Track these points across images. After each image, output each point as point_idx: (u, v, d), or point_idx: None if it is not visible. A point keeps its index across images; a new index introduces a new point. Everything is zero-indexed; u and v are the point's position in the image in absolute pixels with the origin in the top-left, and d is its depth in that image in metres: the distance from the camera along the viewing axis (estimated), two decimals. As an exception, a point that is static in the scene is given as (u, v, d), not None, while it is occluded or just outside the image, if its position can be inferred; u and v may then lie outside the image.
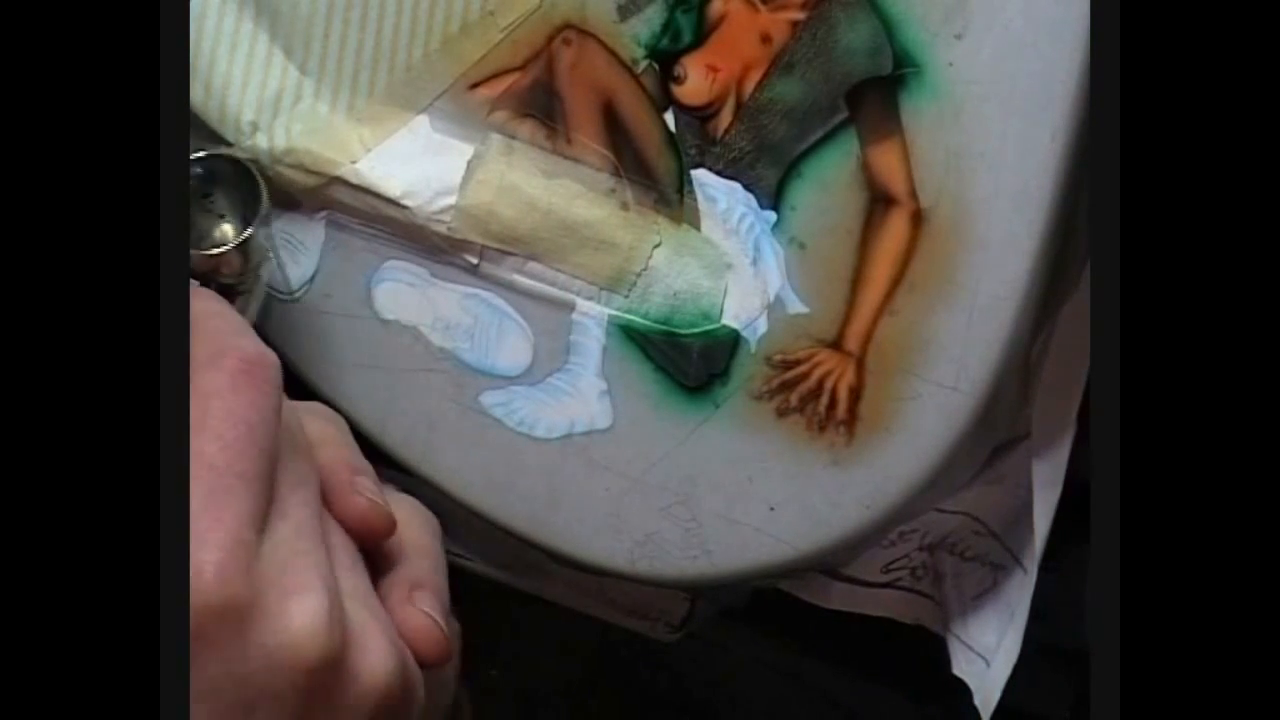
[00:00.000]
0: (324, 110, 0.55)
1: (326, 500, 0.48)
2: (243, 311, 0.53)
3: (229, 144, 0.55)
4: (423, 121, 0.55)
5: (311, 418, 0.51)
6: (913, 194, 0.51)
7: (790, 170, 0.52)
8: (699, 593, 0.61)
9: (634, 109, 0.53)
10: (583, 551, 0.57)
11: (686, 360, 0.54)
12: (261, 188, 0.53)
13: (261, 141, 0.55)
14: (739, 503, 0.54)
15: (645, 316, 0.54)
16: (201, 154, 0.54)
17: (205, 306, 0.48)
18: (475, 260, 0.55)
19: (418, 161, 0.55)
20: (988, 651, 0.59)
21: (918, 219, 0.51)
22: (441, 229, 0.55)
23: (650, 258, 0.54)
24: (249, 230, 0.53)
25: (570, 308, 0.55)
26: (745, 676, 0.81)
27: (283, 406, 0.47)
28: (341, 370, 0.57)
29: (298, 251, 0.57)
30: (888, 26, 0.50)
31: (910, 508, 0.54)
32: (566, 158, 0.54)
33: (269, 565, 0.44)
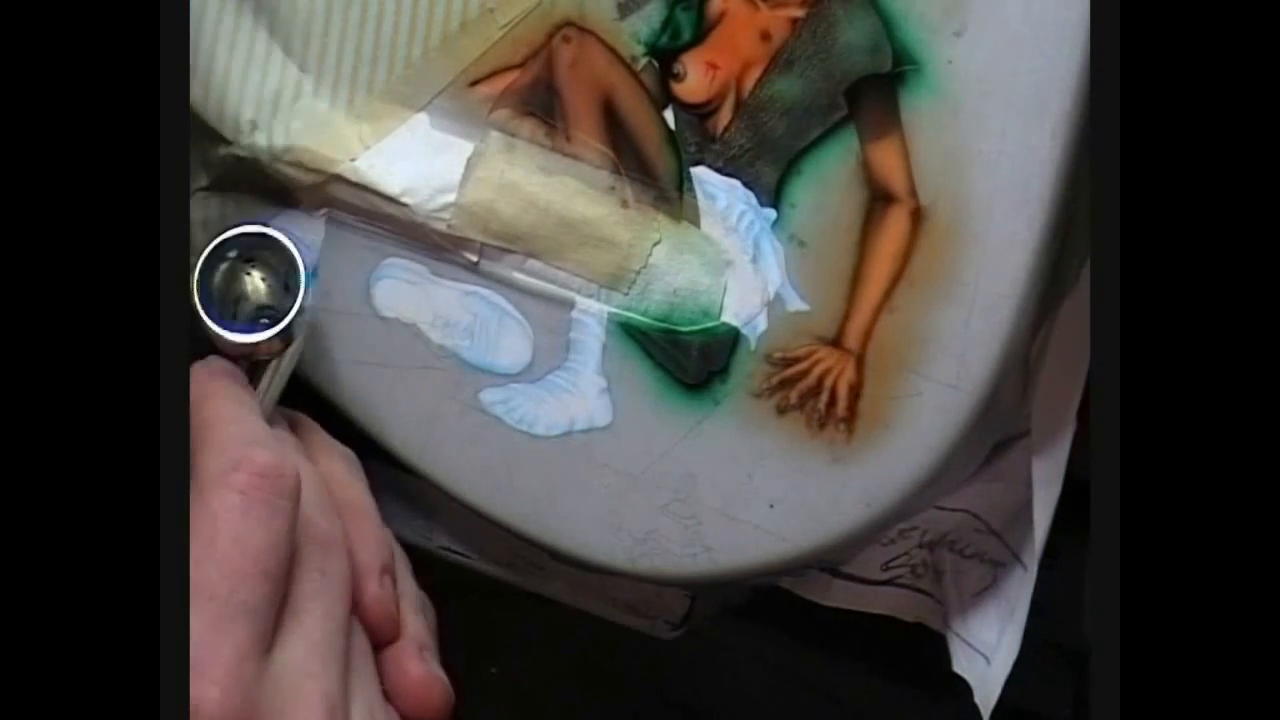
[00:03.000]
0: (323, 108, 0.55)
1: (353, 598, 0.49)
2: (269, 381, 0.52)
3: (228, 142, 0.55)
4: (422, 119, 0.55)
5: (342, 478, 0.51)
6: (912, 191, 0.51)
7: (790, 167, 0.52)
8: (699, 590, 0.61)
9: (634, 106, 0.53)
10: (582, 549, 0.57)
11: (686, 358, 0.54)
12: (299, 265, 0.52)
13: (260, 139, 0.55)
14: (739, 500, 0.54)
15: (645, 314, 0.54)
16: (239, 232, 0.53)
17: (218, 409, 0.48)
18: (475, 258, 0.55)
19: (417, 159, 0.55)
20: (988, 649, 0.59)
21: (917, 216, 0.51)
22: (441, 226, 0.55)
23: (650, 255, 0.54)
24: (290, 316, 0.52)
25: (570, 305, 0.55)
26: (745, 674, 0.81)
27: (306, 497, 0.46)
28: (341, 368, 0.57)
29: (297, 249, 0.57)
30: (887, 24, 0.50)
31: (910, 505, 0.54)
32: (566, 155, 0.54)
33: (273, 692, 0.43)
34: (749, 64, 0.52)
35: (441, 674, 0.50)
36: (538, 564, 0.61)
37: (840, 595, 0.61)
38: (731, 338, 0.54)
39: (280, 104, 0.55)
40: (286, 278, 0.52)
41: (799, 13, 0.51)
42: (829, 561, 0.59)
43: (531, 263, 0.55)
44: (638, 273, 0.54)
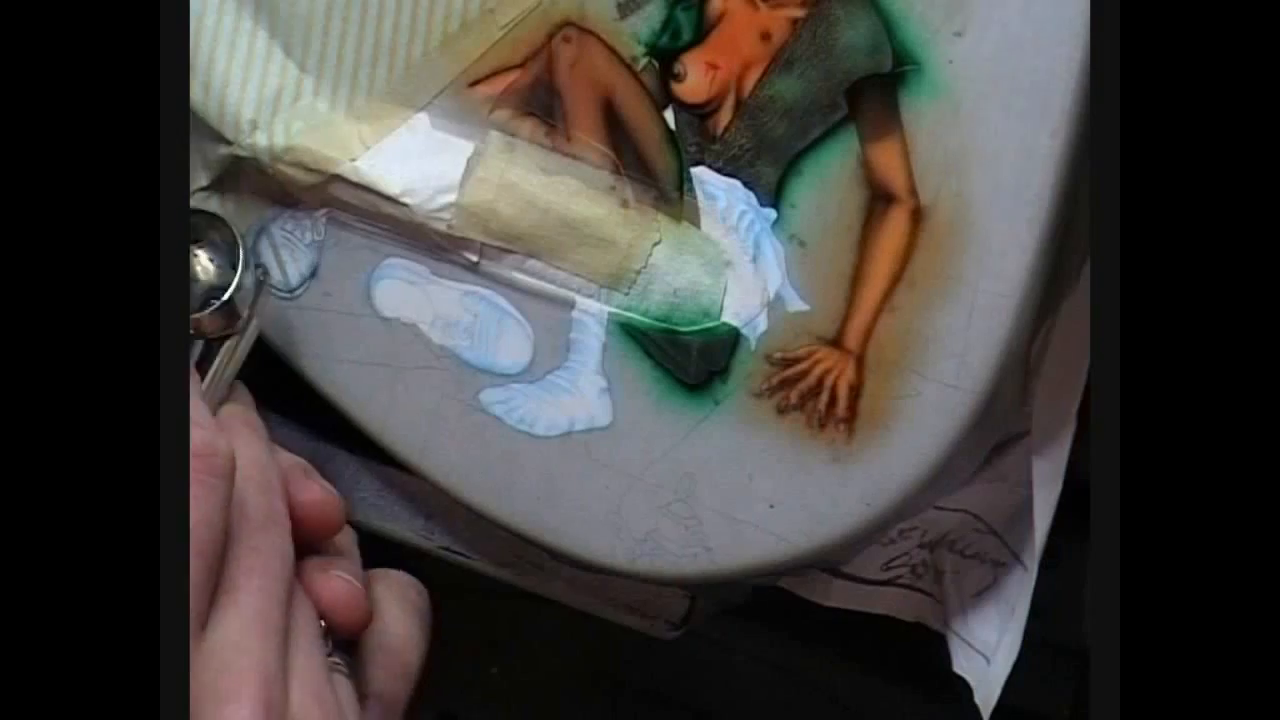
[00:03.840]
0: (324, 108, 0.55)
1: (300, 572, 0.48)
2: (226, 360, 0.53)
3: (228, 142, 0.55)
4: (422, 119, 0.55)
5: (299, 481, 0.51)
6: (912, 191, 0.51)
7: (790, 168, 0.52)
8: (699, 590, 0.61)
9: (634, 106, 0.53)
10: (583, 549, 0.57)
11: (686, 358, 0.54)
12: (239, 243, 0.53)
13: (261, 139, 0.55)
14: (739, 500, 0.54)
15: (645, 314, 0.54)
16: None
17: None
18: (475, 258, 0.55)
19: (417, 159, 0.55)
20: (988, 649, 0.59)
21: (918, 216, 0.51)
22: (441, 226, 0.55)
23: (650, 255, 0.54)
24: (228, 293, 0.52)
25: (570, 305, 0.55)
26: (745, 674, 0.81)
27: (245, 474, 0.46)
28: (341, 368, 0.57)
29: (297, 249, 0.57)
30: (887, 24, 0.50)
31: (910, 505, 0.54)
32: (566, 155, 0.54)
33: (207, 668, 0.43)
34: (749, 64, 0.52)
35: (350, 578, 0.50)
36: (538, 564, 0.61)
37: (840, 595, 0.61)
38: (731, 338, 0.54)
39: (280, 104, 0.55)
40: (232, 258, 0.53)
41: (799, 13, 0.51)
42: (829, 561, 0.59)
43: (531, 263, 0.55)
44: (638, 273, 0.54)
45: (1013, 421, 0.55)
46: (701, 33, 0.52)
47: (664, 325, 0.54)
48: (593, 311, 0.55)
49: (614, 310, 0.55)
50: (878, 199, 0.51)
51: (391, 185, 0.55)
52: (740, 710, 0.82)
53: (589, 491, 0.56)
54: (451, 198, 0.54)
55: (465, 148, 0.55)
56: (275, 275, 0.57)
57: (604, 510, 0.56)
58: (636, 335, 0.55)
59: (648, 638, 0.63)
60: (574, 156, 0.54)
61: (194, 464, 0.45)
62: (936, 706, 0.71)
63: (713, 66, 0.52)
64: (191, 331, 0.52)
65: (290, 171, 0.55)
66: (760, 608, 0.62)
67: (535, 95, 0.54)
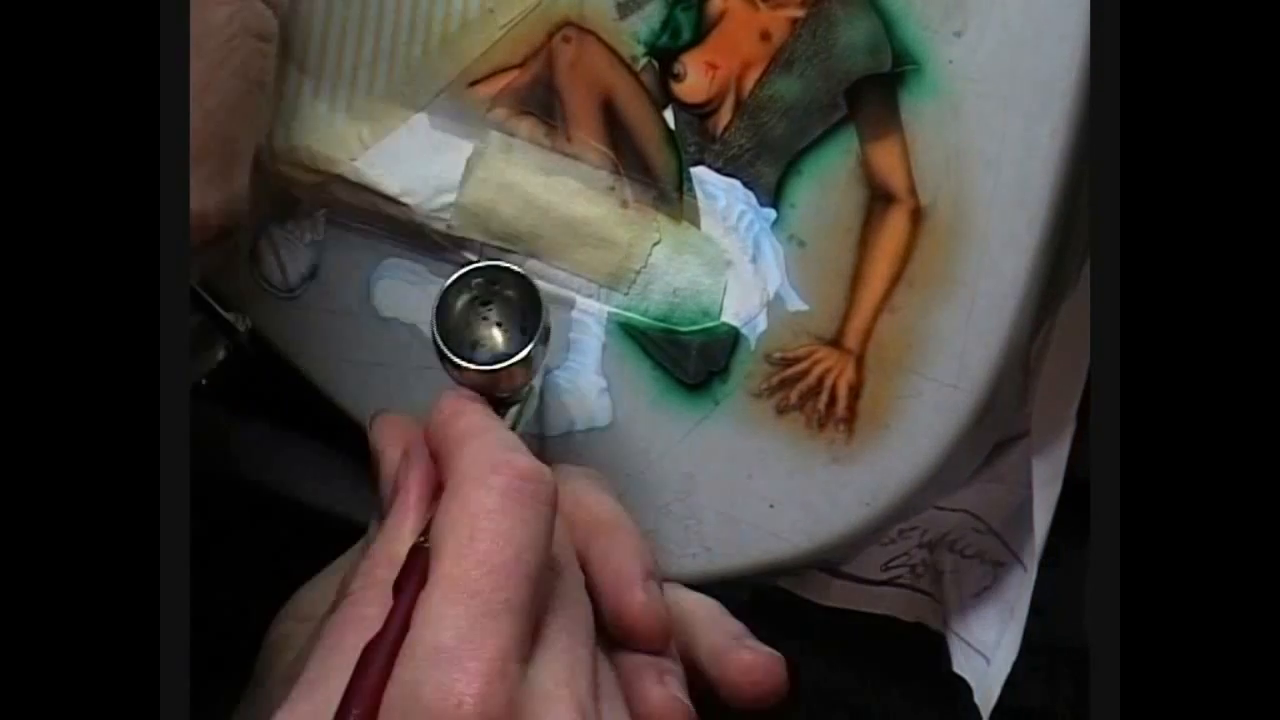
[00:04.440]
0: (323, 108, 0.55)
1: (603, 612, 0.48)
2: (514, 422, 0.51)
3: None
4: (422, 119, 0.55)
5: (590, 497, 0.50)
6: (912, 191, 0.51)
7: (790, 167, 0.52)
8: (699, 590, 0.61)
9: (633, 106, 0.53)
10: (582, 549, 0.57)
11: (686, 358, 0.54)
12: (543, 302, 0.51)
13: (260, 139, 0.55)
14: (739, 500, 0.54)
15: (645, 314, 0.54)
16: (481, 265, 0.52)
17: (473, 421, 0.47)
18: (475, 258, 0.55)
19: (417, 159, 0.55)
20: (987, 649, 0.59)
21: (917, 216, 0.51)
22: (441, 226, 0.55)
23: (650, 255, 0.54)
24: (530, 346, 0.50)
25: (570, 305, 0.55)
26: (745, 674, 0.81)
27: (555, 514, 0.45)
28: (340, 368, 0.57)
29: (297, 249, 0.57)
30: (887, 24, 0.50)
31: (910, 505, 0.54)
32: (566, 155, 0.54)
33: (529, 700, 0.42)
34: (749, 64, 0.52)
35: (683, 697, 0.49)
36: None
37: (840, 595, 0.61)
38: (731, 338, 0.54)
39: (280, 104, 0.55)
40: (523, 318, 0.51)
41: (799, 13, 0.51)
42: (829, 561, 0.59)
43: (531, 263, 0.55)
44: (638, 273, 0.54)
45: (1013, 421, 0.55)
46: (701, 32, 0.52)
47: (664, 325, 0.54)
48: (592, 311, 0.55)
49: (614, 310, 0.55)
50: (877, 199, 0.51)
51: (391, 185, 0.55)
52: (739, 710, 0.82)
53: (589, 491, 0.56)
54: (451, 198, 0.54)
55: (465, 148, 0.55)
56: (275, 276, 0.57)
57: (604, 510, 0.56)
58: (636, 335, 0.55)
59: (647, 638, 0.63)
60: (573, 156, 0.54)
61: (522, 486, 0.44)
62: (936, 706, 0.70)
63: (712, 66, 0.52)
64: (486, 392, 0.50)
65: (290, 171, 0.55)
66: (760, 608, 0.62)
67: (535, 95, 0.54)
